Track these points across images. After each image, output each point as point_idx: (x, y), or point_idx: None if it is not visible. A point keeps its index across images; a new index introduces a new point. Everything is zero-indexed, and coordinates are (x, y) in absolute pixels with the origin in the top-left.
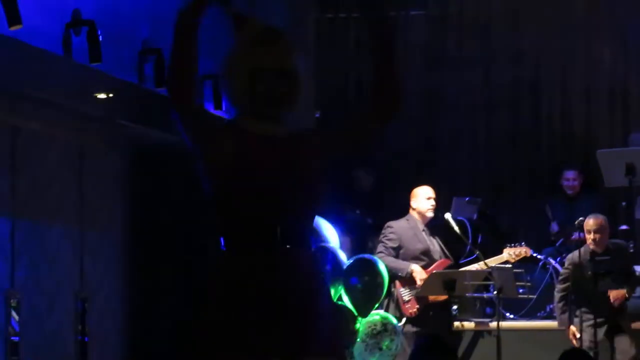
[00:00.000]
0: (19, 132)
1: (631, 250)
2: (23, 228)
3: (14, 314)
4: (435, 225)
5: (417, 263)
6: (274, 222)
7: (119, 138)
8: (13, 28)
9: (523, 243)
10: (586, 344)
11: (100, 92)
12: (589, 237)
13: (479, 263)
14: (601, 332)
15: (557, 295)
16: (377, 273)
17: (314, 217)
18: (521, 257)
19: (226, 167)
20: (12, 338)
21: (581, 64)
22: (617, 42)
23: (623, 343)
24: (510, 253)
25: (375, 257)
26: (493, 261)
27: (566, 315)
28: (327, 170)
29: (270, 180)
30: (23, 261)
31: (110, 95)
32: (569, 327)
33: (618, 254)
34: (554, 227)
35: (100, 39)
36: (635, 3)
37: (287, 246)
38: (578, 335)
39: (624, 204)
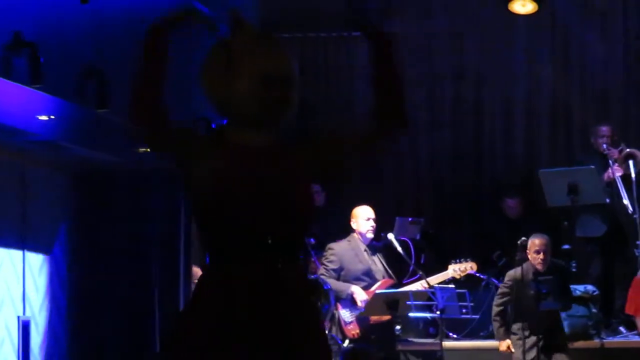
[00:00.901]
0: None
1: (573, 270)
2: None
3: None
4: (379, 245)
5: (358, 284)
6: (263, 237)
7: (61, 160)
8: None
9: (469, 259)
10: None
11: (41, 114)
12: (535, 257)
13: (422, 282)
14: (535, 350)
15: (494, 310)
16: (322, 294)
17: (305, 231)
18: (466, 272)
19: (214, 181)
20: None
21: (523, 84)
22: (558, 63)
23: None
24: (455, 269)
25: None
26: (438, 278)
27: (503, 329)
28: (318, 180)
29: (260, 195)
30: None
31: (52, 117)
32: (504, 340)
33: (560, 274)
34: (496, 254)
35: (42, 61)
36: (577, 25)
37: (277, 262)
38: (513, 350)
39: (565, 223)
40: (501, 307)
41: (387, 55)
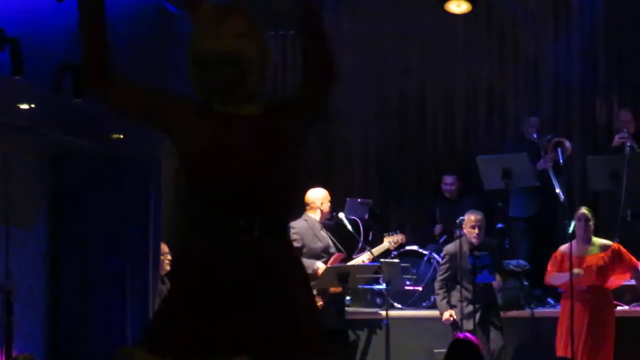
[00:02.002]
0: None
1: (507, 246)
2: None
3: None
4: (331, 224)
5: (319, 260)
6: (251, 207)
7: (40, 145)
8: None
9: (398, 231)
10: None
11: (22, 103)
12: (471, 231)
13: (366, 253)
14: (472, 322)
15: (438, 284)
16: None
17: (292, 200)
18: (399, 243)
19: (198, 149)
20: None
21: (462, 79)
22: (493, 59)
23: (494, 332)
24: (389, 241)
25: None
26: (377, 250)
27: (445, 300)
28: (302, 143)
29: (247, 163)
30: None
31: (32, 105)
32: (447, 310)
33: (493, 250)
34: (437, 228)
35: (22, 55)
36: (510, 25)
37: (264, 232)
38: (452, 320)
39: (500, 204)
40: (444, 281)
41: (314, 16)
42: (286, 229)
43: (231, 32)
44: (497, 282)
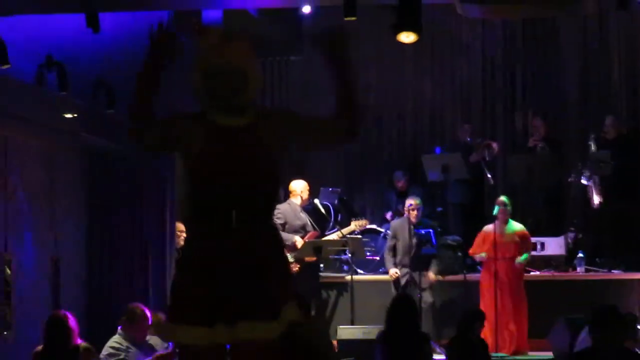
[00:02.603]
0: (7, 141)
1: (445, 224)
2: (12, 208)
3: (7, 269)
4: (308, 208)
5: (297, 234)
6: (236, 203)
7: (80, 146)
8: (3, 67)
9: (363, 217)
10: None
11: (66, 113)
12: (411, 212)
13: (337, 232)
14: (405, 280)
15: (386, 250)
16: None
17: (273, 197)
18: (364, 226)
19: (196, 156)
20: (5, 288)
21: (410, 95)
22: (435, 79)
23: (426, 293)
24: (355, 224)
25: None
26: (346, 230)
27: (392, 262)
28: (284, 151)
29: (232, 167)
30: (14, 230)
31: (75, 115)
32: (392, 269)
33: (432, 229)
34: (388, 214)
35: (67, 75)
36: (449, 53)
37: (247, 223)
38: (396, 276)
39: (440, 192)
40: (390, 247)
41: (347, 76)
42: (268, 218)
43: (237, 51)
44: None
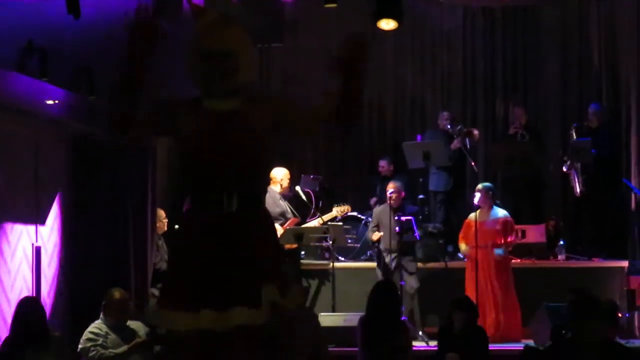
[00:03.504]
0: None
1: (426, 212)
2: None
3: None
4: (288, 195)
5: (276, 222)
6: (227, 187)
7: (64, 133)
8: None
9: (344, 203)
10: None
11: (48, 99)
12: (389, 197)
13: (318, 219)
14: (393, 265)
15: (369, 229)
16: None
17: (262, 181)
18: (346, 212)
19: (188, 140)
20: None
21: (391, 83)
22: (416, 68)
23: (409, 277)
24: (337, 210)
25: None
26: (327, 217)
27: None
28: (275, 136)
29: (223, 151)
30: None
31: (56, 101)
32: (374, 233)
33: (414, 215)
34: (372, 200)
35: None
36: (429, 42)
37: (241, 203)
38: (375, 238)
39: (421, 180)
40: (373, 229)
41: (358, 84)
42: (259, 200)
43: (232, 35)
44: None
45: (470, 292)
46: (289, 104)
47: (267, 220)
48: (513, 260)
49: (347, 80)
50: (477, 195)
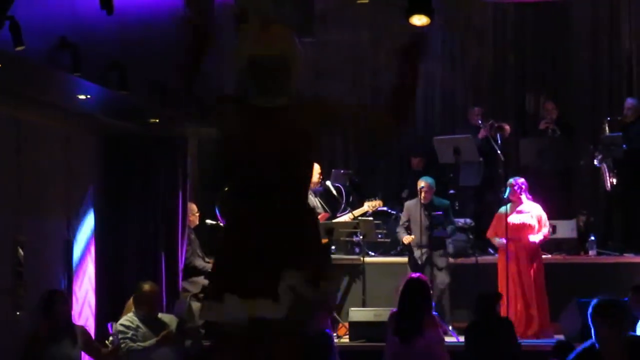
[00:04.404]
0: (21, 123)
1: (457, 207)
2: (27, 189)
3: (19, 251)
4: (319, 190)
5: None
6: (271, 183)
7: (95, 128)
8: (18, 49)
9: (376, 198)
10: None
11: (80, 94)
12: (420, 193)
13: (348, 214)
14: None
15: (400, 226)
16: None
17: (306, 177)
18: (377, 207)
19: (233, 135)
20: (17, 268)
21: (422, 79)
22: (446, 64)
23: (440, 273)
24: (369, 205)
25: None
26: (358, 212)
27: (404, 232)
28: (319, 135)
29: (266, 147)
30: (28, 213)
31: (88, 96)
32: (405, 237)
33: (444, 210)
34: (405, 192)
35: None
36: (459, 38)
37: (285, 197)
38: (411, 240)
39: (451, 175)
40: (403, 225)
41: (413, 80)
42: (302, 193)
43: (279, 38)
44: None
45: (501, 284)
46: (339, 104)
47: (310, 215)
48: (543, 256)
49: (405, 71)
50: (508, 190)
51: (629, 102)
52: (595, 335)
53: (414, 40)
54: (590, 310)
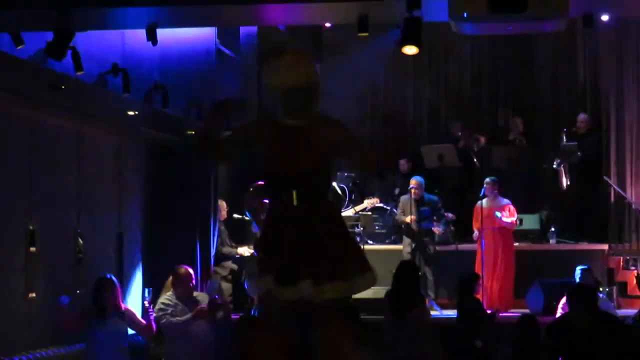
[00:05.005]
0: (80, 134)
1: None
2: (86, 189)
3: (79, 241)
4: None
5: None
6: (295, 187)
7: (142, 138)
8: (78, 73)
9: (374, 196)
10: (406, 251)
11: (129, 110)
12: (411, 190)
13: (351, 210)
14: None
15: (399, 214)
16: None
17: (327, 180)
18: (374, 204)
19: (267, 149)
20: (78, 255)
21: (411, 96)
22: (432, 84)
23: (428, 258)
24: (368, 202)
25: None
26: (359, 207)
27: (402, 217)
28: (334, 152)
29: (292, 159)
30: (87, 209)
31: (136, 112)
32: (402, 218)
33: (432, 206)
34: (396, 190)
35: (130, 80)
36: (444, 62)
37: (309, 198)
38: (408, 221)
39: (436, 177)
40: (400, 214)
41: (397, 141)
42: (325, 195)
43: (308, 69)
44: (438, 229)
45: (478, 266)
46: (348, 133)
47: (331, 206)
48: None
49: (388, 137)
50: (485, 187)
51: (582, 116)
52: (573, 310)
53: (392, 114)
54: (570, 291)
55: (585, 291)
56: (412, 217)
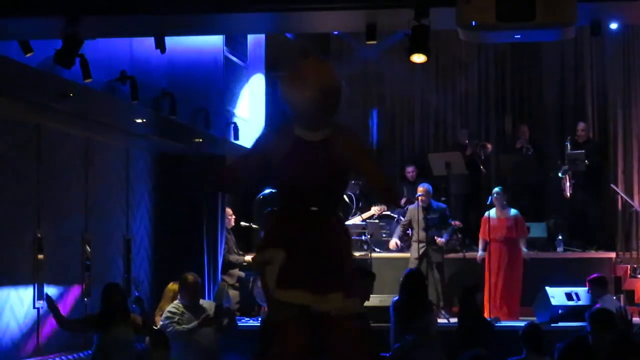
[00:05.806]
0: (89, 141)
1: (447, 212)
2: (94, 195)
3: (87, 247)
4: None
5: None
6: (308, 200)
7: (150, 146)
8: (86, 81)
9: (381, 203)
10: (414, 257)
11: (137, 118)
12: (419, 198)
13: (357, 217)
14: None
15: (399, 227)
16: None
17: (339, 194)
18: (382, 211)
19: (281, 160)
20: (86, 262)
21: (419, 104)
22: (439, 93)
23: (436, 267)
24: (375, 209)
25: None
26: (366, 214)
27: (396, 236)
28: (349, 166)
29: (307, 171)
30: (94, 215)
31: (144, 120)
32: (391, 241)
33: (441, 213)
34: (402, 200)
35: (137, 87)
36: (451, 70)
37: (319, 213)
38: (397, 247)
39: (444, 185)
40: (403, 226)
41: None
42: (336, 209)
43: (333, 74)
44: (441, 240)
45: (486, 275)
46: (364, 149)
47: (340, 221)
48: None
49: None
50: (493, 197)
51: (581, 125)
52: (592, 334)
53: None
54: (590, 315)
55: (606, 316)
56: (397, 241)
